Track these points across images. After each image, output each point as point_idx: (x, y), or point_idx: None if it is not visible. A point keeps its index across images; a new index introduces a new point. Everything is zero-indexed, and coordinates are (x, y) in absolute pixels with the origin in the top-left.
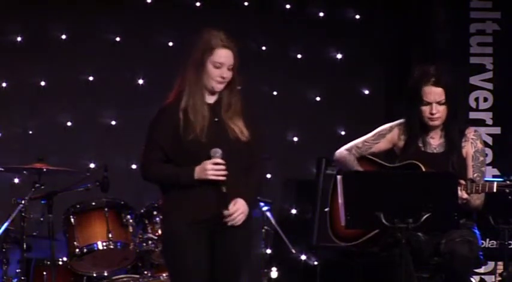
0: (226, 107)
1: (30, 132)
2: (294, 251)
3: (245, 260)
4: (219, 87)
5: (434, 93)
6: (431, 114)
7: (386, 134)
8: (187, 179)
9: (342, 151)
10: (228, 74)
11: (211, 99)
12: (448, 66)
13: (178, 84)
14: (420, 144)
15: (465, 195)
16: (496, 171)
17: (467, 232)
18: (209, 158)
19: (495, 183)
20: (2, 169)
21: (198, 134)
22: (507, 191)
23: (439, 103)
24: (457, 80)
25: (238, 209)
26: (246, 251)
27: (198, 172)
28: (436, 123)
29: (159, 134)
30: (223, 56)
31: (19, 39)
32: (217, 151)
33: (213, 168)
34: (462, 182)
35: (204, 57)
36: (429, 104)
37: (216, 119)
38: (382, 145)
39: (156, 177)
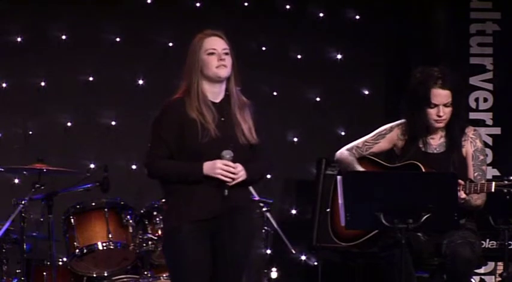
0: (237, 103)
1: (30, 132)
2: (294, 251)
3: (246, 260)
4: (223, 72)
5: (441, 95)
6: (439, 116)
7: (386, 134)
8: (196, 174)
9: (342, 151)
10: (226, 57)
11: (217, 97)
12: (449, 66)
13: (181, 89)
14: (420, 145)
15: (463, 195)
16: (496, 172)
17: (468, 233)
18: (215, 157)
19: (493, 183)
20: (2, 169)
21: (204, 135)
22: (505, 190)
23: (445, 105)
24: (461, 79)
25: (238, 168)
26: (247, 251)
27: (206, 168)
28: (442, 125)
29: (164, 132)
30: (213, 42)
31: (19, 39)
32: (229, 153)
33: (222, 168)
34: (461, 182)
35: (197, 54)
36: (436, 106)
37: (223, 119)
38: (382, 145)
39: (163, 173)
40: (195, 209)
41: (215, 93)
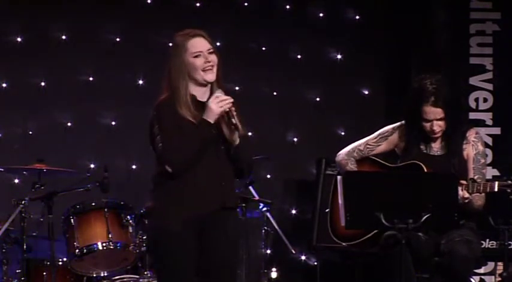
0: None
1: (30, 132)
2: (294, 251)
3: (234, 262)
4: (209, 77)
5: (434, 112)
6: (432, 130)
7: (388, 136)
8: (206, 129)
9: (343, 155)
10: (212, 57)
11: (204, 96)
12: (449, 66)
13: (166, 89)
14: (422, 147)
15: (467, 195)
16: (496, 172)
17: (467, 232)
18: (206, 163)
19: (496, 183)
20: (2, 169)
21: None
22: (508, 190)
23: (439, 119)
24: (456, 86)
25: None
26: (236, 252)
27: (208, 116)
28: (437, 136)
29: (168, 123)
30: (197, 43)
31: (19, 39)
32: (219, 91)
33: (217, 102)
34: (463, 182)
35: (182, 57)
36: (429, 121)
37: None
38: (384, 147)
39: (184, 155)
40: (184, 207)
41: (202, 92)
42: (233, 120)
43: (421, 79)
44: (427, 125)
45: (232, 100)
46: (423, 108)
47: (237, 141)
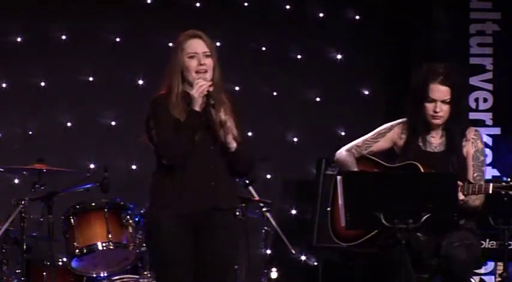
0: (218, 110)
1: (30, 132)
2: (294, 251)
3: (231, 261)
4: (203, 78)
5: (440, 91)
6: (435, 112)
7: (386, 133)
8: (194, 116)
9: (341, 152)
10: (207, 61)
11: (199, 106)
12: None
13: (164, 87)
14: (420, 143)
15: (462, 197)
16: (495, 172)
17: (466, 234)
18: (196, 155)
19: (491, 185)
20: (2, 169)
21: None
22: (503, 192)
23: (443, 102)
24: (464, 80)
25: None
26: (231, 251)
27: (194, 105)
28: (438, 121)
29: (162, 117)
30: (194, 44)
31: (19, 39)
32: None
33: (197, 89)
34: (459, 183)
35: (178, 56)
36: (434, 101)
37: (203, 118)
38: (382, 144)
39: (176, 143)
40: (179, 203)
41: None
42: (211, 100)
43: (431, 64)
44: (431, 106)
45: (209, 83)
46: (430, 85)
47: (233, 144)
